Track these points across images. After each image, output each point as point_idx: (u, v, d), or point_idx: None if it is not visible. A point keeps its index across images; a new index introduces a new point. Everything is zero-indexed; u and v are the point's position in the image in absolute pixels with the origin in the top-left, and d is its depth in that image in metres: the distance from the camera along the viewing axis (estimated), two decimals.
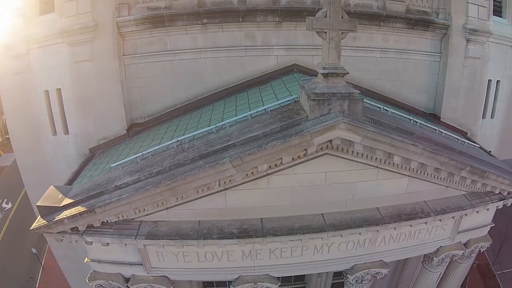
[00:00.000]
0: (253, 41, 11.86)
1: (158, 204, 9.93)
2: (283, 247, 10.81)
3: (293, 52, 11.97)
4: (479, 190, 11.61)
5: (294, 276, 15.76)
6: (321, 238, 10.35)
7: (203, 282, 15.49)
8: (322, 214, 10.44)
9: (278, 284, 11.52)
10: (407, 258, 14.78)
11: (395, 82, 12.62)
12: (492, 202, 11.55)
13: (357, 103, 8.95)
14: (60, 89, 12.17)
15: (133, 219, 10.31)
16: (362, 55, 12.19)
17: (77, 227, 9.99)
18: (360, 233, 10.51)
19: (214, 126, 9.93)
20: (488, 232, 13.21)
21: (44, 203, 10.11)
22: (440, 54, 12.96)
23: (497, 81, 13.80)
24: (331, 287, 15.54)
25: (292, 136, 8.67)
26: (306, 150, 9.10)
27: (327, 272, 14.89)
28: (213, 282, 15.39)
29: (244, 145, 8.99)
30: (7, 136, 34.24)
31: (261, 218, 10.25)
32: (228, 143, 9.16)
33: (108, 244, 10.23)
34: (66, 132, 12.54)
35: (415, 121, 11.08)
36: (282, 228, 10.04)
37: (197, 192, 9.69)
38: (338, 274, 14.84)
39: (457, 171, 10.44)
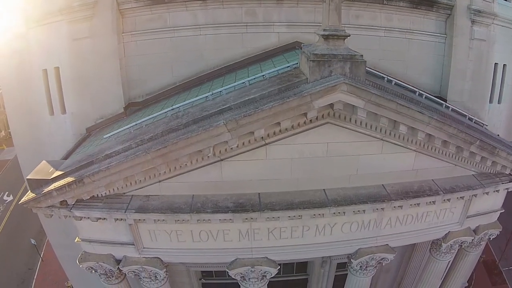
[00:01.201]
0: (254, 17, 11.18)
1: (150, 176, 9.06)
2: (282, 227, 9.78)
3: (295, 29, 11.24)
4: (489, 171, 10.56)
5: (296, 266, 14.63)
6: (323, 214, 9.32)
7: (202, 273, 14.38)
8: (324, 189, 9.44)
9: (277, 268, 10.43)
10: (413, 247, 13.61)
11: (400, 63, 11.80)
12: (503, 183, 10.47)
13: (359, 65, 8.08)
14: (58, 67, 11.53)
15: (124, 193, 9.42)
16: (365, 34, 11.41)
17: (66, 201, 9.13)
18: (364, 211, 9.46)
19: (211, 93, 9.12)
20: None
21: (34, 176, 9.34)
22: (445, 35, 12.14)
23: (504, 65, 12.93)
24: (334, 279, 14.31)
25: (290, 97, 7.79)
26: (306, 114, 8.20)
27: (330, 262, 13.71)
28: (212, 272, 14.27)
29: (240, 108, 8.14)
30: (9, 130, 33.81)
31: (259, 193, 9.28)
32: (224, 107, 8.32)
33: (97, 219, 9.31)
34: (64, 111, 11.82)
35: (421, 94, 10.17)
36: (281, 203, 9.05)
37: (191, 162, 8.81)
38: (341, 266, 13.66)
39: (466, 145, 9.44)
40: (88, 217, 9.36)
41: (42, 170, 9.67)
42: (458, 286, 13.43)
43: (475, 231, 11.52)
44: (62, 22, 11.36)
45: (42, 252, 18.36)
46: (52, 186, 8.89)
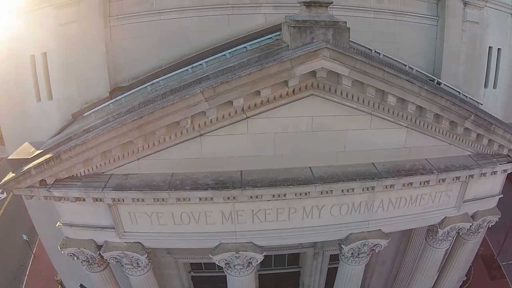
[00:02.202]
0: None
1: (128, 153, 8.42)
2: (267, 209, 9.03)
3: (282, 10, 10.62)
4: (486, 151, 9.76)
5: (288, 259, 13.75)
6: (309, 193, 8.56)
7: (191, 265, 13.57)
8: (310, 167, 8.71)
9: (263, 254, 9.64)
10: (409, 238, 12.70)
11: (391, 45, 11.11)
12: (500, 164, 9.63)
13: (343, 32, 7.46)
14: (45, 53, 11.10)
15: (103, 172, 8.79)
16: (355, 15, 10.79)
17: (45, 180, 8.55)
18: (353, 190, 8.68)
19: (191, 66, 8.55)
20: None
21: (15, 156, 8.84)
22: (437, 18, 11.46)
23: (498, 49, 12.21)
24: (327, 273, 13.38)
25: (269, 63, 7.17)
26: (287, 83, 7.55)
27: (322, 254, 12.84)
28: (201, 264, 13.44)
29: (218, 77, 7.53)
30: None
31: (241, 171, 8.57)
32: (201, 76, 7.73)
33: (76, 199, 8.66)
34: (50, 97, 11.28)
35: (411, 67, 9.50)
36: (264, 180, 8.31)
37: (170, 137, 8.17)
38: (334, 258, 12.71)
39: (460, 120, 8.69)
40: (67, 198, 8.74)
41: (24, 150, 9.17)
42: (456, 278, 12.43)
43: (473, 217, 10.63)
44: (50, 7, 10.95)
45: (35, 249, 17.73)
46: (30, 165, 8.34)
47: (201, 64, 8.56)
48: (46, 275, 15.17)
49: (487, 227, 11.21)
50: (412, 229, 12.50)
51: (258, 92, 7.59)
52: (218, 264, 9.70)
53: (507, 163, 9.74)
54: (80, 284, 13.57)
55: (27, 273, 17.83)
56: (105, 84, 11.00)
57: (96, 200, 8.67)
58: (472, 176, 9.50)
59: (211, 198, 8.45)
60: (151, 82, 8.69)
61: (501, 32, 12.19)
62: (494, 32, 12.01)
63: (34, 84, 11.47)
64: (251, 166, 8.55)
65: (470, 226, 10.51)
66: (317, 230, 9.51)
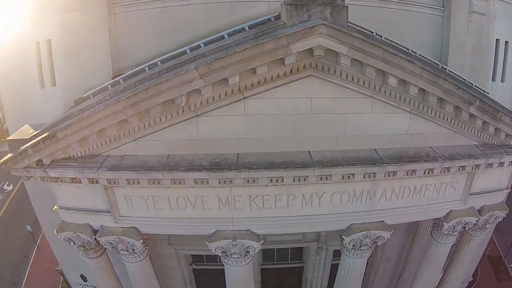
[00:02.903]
0: None
1: (124, 133, 8.20)
2: (265, 194, 8.67)
3: None
4: (492, 141, 9.25)
5: (291, 254, 13.27)
6: (307, 178, 8.18)
7: (193, 258, 13.19)
8: (309, 151, 8.35)
9: (261, 243, 9.25)
10: (415, 234, 12.11)
11: (395, 34, 10.66)
12: (508, 155, 9.07)
13: (341, 10, 7.13)
14: (50, 39, 11.10)
15: (100, 154, 8.60)
16: (359, 4, 10.48)
17: (41, 160, 8.41)
18: (353, 175, 8.24)
19: (189, 47, 8.37)
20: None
21: (14, 137, 8.76)
22: (443, 8, 11.13)
23: (506, 41, 11.74)
24: (330, 268, 12.83)
25: (265, 39, 6.91)
26: (283, 61, 7.25)
27: (326, 249, 12.34)
28: (202, 257, 13.04)
29: (213, 54, 7.30)
30: None
31: (238, 153, 8.25)
32: (197, 54, 7.51)
33: (72, 180, 8.45)
34: (54, 84, 11.22)
35: (414, 52, 9.11)
36: (260, 163, 7.97)
37: (166, 117, 7.92)
38: (338, 254, 12.08)
39: (464, 105, 8.24)
40: (64, 180, 8.56)
41: (23, 131, 9.04)
42: (462, 277, 11.73)
43: (480, 211, 10.03)
44: None
45: (39, 240, 17.63)
46: (27, 144, 8.23)
47: (199, 45, 8.35)
48: (49, 266, 15.01)
49: (494, 223, 10.57)
50: (418, 225, 11.99)
51: (254, 70, 7.30)
52: (215, 252, 9.34)
53: None
54: (81, 274, 13.34)
55: (30, 264, 17.75)
56: (108, 70, 10.85)
57: (92, 181, 8.46)
58: (478, 166, 8.97)
59: (207, 181, 8.13)
60: (149, 63, 8.51)
61: (509, 24, 11.68)
62: (501, 24, 11.52)
63: (38, 71, 11.44)
64: (248, 149, 8.23)
65: (477, 220, 9.92)
66: (317, 218, 9.08)
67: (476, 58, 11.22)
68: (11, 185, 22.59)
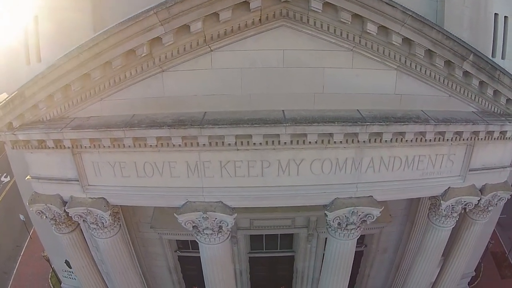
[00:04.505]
0: None
1: (90, 93, 7.53)
2: (237, 160, 7.71)
3: None
4: (492, 109, 8.02)
5: (280, 242, 12.01)
6: (279, 141, 7.18)
7: (177, 244, 12.17)
8: (283, 110, 7.39)
9: (234, 217, 8.22)
10: (412, 222, 10.68)
11: None
12: (510, 123, 7.78)
13: None
14: (37, 16, 10.93)
15: (68, 116, 7.99)
16: None
17: (12, 123, 7.88)
18: (333, 136, 7.15)
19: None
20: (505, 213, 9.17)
21: None
22: None
23: (505, 17, 10.56)
24: (322, 258, 11.43)
25: None
26: (248, 4, 6.45)
27: (317, 236, 11.05)
28: (187, 242, 11.99)
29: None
30: None
31: (205, 112, 7.39)
32: (162, 1, 6.86)
33: (40, 144, 7.82)
34: (39, 60, 10.98)
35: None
36: (227, 120, 7.07)
37: (130, 73, 7.22)
38: None
39: (457, 60, 7.15)
40: (33, 146, 7.99)
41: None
42: (463, 268, 10.08)
43: (482, 191, 8.66)
44: None
45: (32, 230, 17.15)
46: None
47: None
48: (40, 256, 14.39)
49: (498, 205, 9.07)
50: (416, 211, 10.60)
51: (218, 17, 6.57)
52: (185, 226, 8.37)
53: None
54: (65, 260, 12.58)
55: (21, 254, 17.28)
56: None
57: (58, 146, 7.80)
58: (477, 135, 7.72)
59: (172, 144, 7.30)
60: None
61: None
62: None
63: (25, 47, 11.27)
64: (216, 107, 7.35)
65: (478, 201, 8.52)
66: (296, 190, 7.99)
67: (474, 32, 10.01)
68: (8, 177, 22.59)
